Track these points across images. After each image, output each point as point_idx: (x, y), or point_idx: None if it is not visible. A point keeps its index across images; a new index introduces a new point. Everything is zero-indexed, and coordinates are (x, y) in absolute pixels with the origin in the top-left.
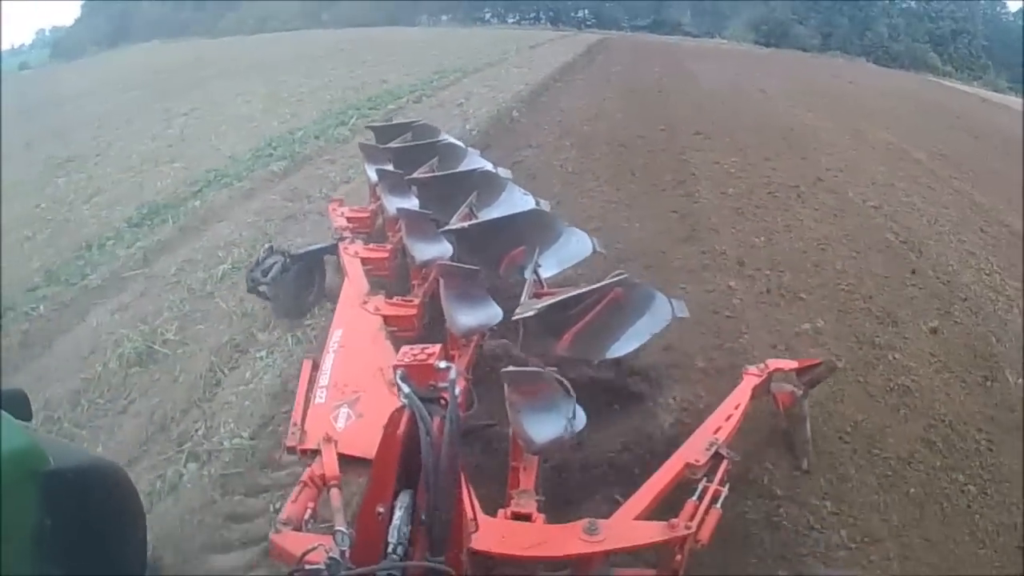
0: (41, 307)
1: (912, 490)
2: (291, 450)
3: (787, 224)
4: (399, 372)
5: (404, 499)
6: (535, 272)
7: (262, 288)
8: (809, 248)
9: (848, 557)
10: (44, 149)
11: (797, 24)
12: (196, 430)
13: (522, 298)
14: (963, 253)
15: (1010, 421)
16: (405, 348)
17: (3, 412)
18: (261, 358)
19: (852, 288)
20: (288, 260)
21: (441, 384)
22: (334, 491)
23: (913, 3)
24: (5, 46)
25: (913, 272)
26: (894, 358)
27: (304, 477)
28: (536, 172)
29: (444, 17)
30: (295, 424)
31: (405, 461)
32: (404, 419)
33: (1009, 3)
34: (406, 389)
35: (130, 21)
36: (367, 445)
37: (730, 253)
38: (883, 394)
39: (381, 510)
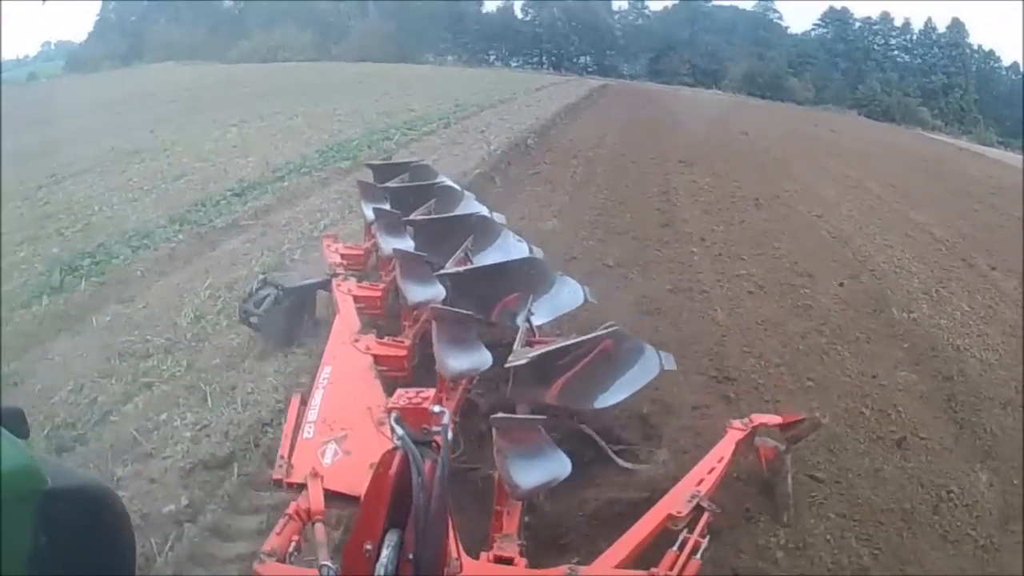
0: (180, 235)
1: (800, 346)
2: (277, 483)
3: (742, 220)
4: (394, 414)
5: (392, 538)
6: (528, 320)
7: (253, 320)
8: (756, 235)
9: (750, 367)
10: (102, 143)
11: (792, 77)
12: None
13: (515, 345)
14: (883, 246)
15: (889, 332)
16: (400, 391)
17: (3, 430)
18: None
19: (782, 256)
20: (281, 293)
21: (434, 428)
22: (319, 526)
23: (907, 57)
24: (9, 56)
25: (835, 254)
26: (804, 292)
27: (289, 510)
28: (551, 180)
29: (450, 57)
30: (282, 457)
31: (395, 501)
32: (396, 460)
33: (1003, 57)
34: (400, 431)
35: (143, 41)
36: (353, 482)
37: (695, 234)
38: (791, 308)
39: (369, 547)
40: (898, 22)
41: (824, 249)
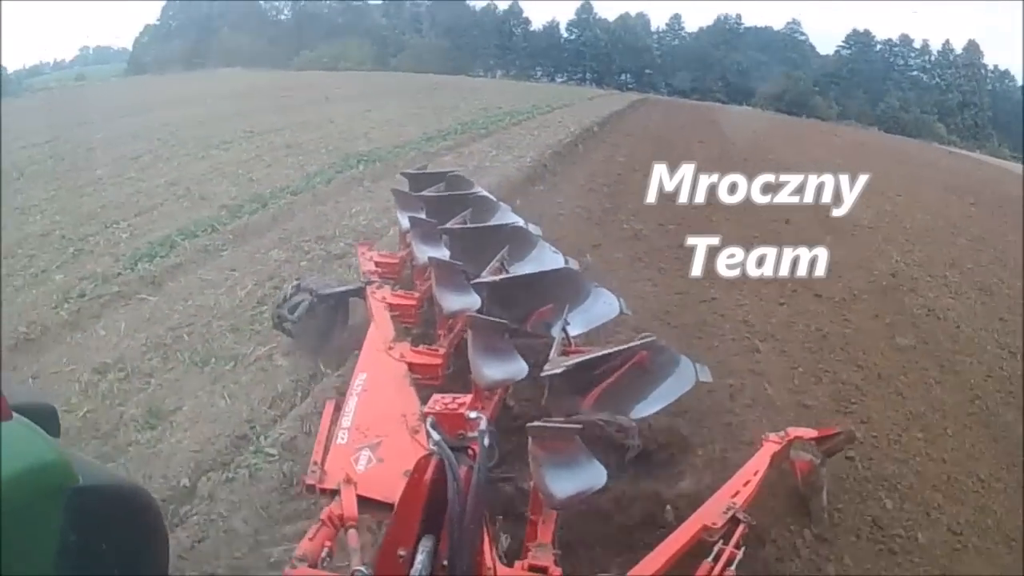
0: (412, 153)
1: None
2: (310, 488)
3: (736, 166)
4: (430, 419)
5: (426, 544)
6: (564, 330)
7: (287, 326)
8: (744, 171)
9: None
10: (257, 119)
11: (817, 95)
12: None
13: (550, 355)
14: (855, 209)
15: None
16: (436, 396)
17: (35, 426)
18: None
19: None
20: (315, 299)
21: (470, 434)
22: (352, 532)
23: (925, 76)
24: (47, 59)
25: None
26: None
27: (322, 516)
28: (615, 144)
29: (499, 72)
30: (315, 463)
31: (429, 506)
32: (431, 465)
33: (1017, 76)
34: (436, 437)
35: (206, 47)
36: (387, 489)
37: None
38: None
39: (403, 553)
40: (917, 44)
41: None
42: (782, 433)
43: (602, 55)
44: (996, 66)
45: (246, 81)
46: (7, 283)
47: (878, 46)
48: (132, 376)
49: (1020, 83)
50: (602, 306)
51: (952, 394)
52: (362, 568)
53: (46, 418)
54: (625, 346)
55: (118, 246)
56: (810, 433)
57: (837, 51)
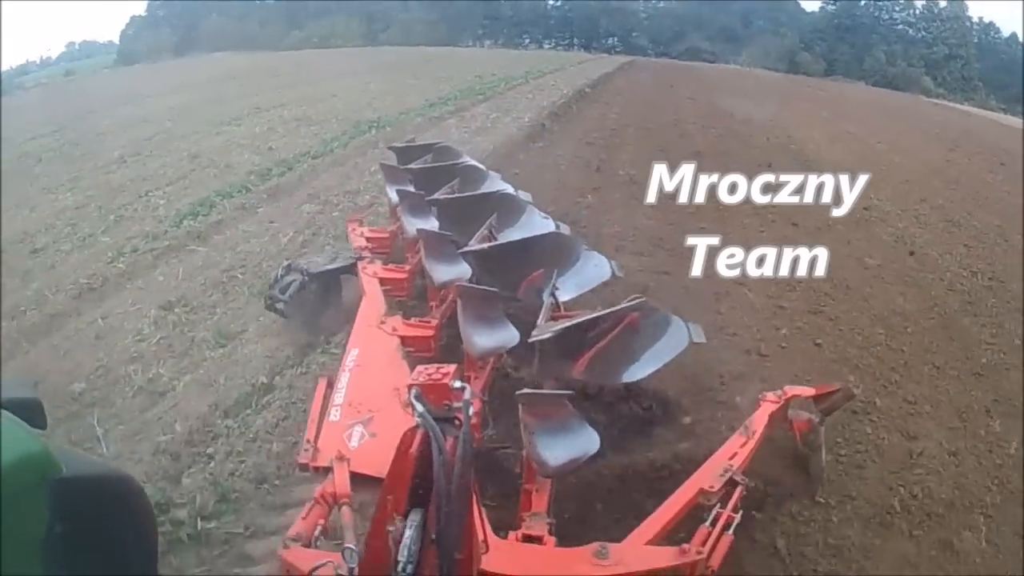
0: (418, 118)
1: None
2: (303, 467)
3: (721, 116)
4: (414, 391)
5: (415, 517)
6: (552, 295)
7: (279, 306)
8: (730, 125)
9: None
10: (228, 105)
11: (803, 51)
12: None
13: (538, 320)
14: (833, 154)
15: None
16: (420, 367)
17: (18, 419)
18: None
19: (739, 127)
20: (306, 278)
21: (456, 404)
22: (345, 509)
23: (910, 30)
24: (33, 57)
25: (789, 150)
26: (740, 127)
27: (316, 494)
28: (607, 103)
29: (487, 42)
30: (308, 441)
31: (417, 480)
32: (417, 438)
33: (1002, 28)
34: (420, 408)
35: (195, 34)
36: (380, 464)
37: (687, 127)
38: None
39: (391, 528)
40: None
41: (771, 144)
42: (779, 392)
43: (589, 20)
44: (981, 18)
45: (239, 63)
46: (53, 248)
47: (863, 1)
48: (197, 309)
49: (1005, 35)
50: (593, 269)
51: (914, 303)
52: (351, 546)
53: (31, 412)
54: (614, 308)
55: (157, 210)
56: (808, 391)
57: (823, 7)
